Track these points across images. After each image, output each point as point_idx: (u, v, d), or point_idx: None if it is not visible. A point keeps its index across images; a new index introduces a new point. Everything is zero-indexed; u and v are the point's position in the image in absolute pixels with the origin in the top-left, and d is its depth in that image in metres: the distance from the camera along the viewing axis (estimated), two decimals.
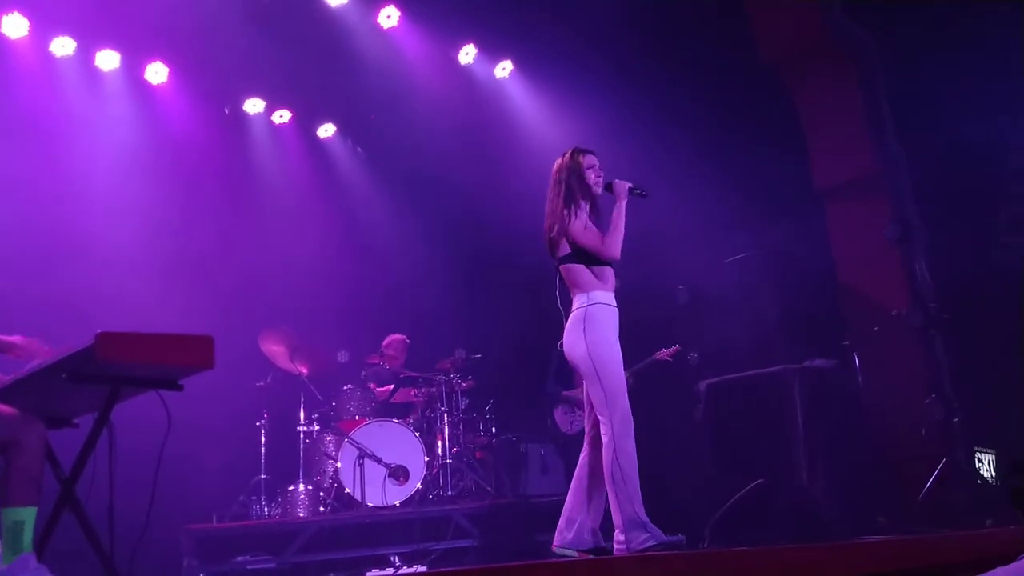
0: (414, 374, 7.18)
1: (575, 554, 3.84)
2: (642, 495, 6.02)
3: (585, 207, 4.12)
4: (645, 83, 7.08)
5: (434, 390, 6.98)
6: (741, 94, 6.71)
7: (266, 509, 6.62)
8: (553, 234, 4.11)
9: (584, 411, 6.13)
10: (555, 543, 3.96)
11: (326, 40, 7.33)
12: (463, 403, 7.06)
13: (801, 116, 6.38)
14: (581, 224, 4.05)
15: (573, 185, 4.12)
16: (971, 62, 5.59)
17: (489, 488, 6.79)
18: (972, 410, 5.10)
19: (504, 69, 7.98)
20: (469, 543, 5.94)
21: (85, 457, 3.08)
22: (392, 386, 7.19)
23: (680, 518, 5.57)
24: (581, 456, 4.09)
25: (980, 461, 5.20)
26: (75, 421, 3.57)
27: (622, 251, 4.07)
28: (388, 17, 7.37)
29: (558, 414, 6.28)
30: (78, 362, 2.89)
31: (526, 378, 7.55)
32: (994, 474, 5.22)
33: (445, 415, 6.84)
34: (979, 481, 4.92)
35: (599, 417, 3.95)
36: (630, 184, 4.19)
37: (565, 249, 4.08)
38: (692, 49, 6.82)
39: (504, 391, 6.94)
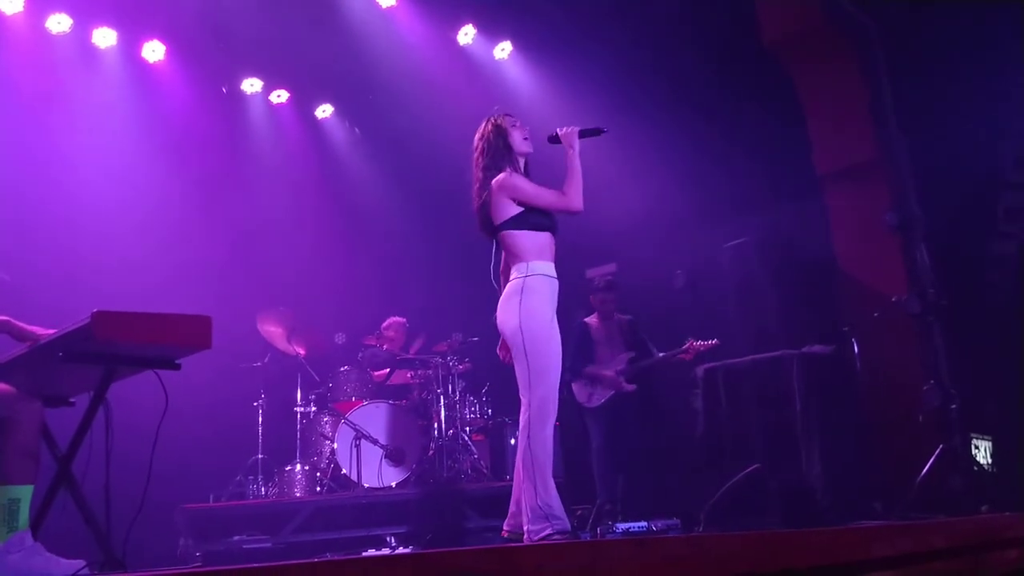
0: (411, 356, 7.18)
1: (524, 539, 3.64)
2: (638, 480, 6.09)
3: (519, 167, 3.87)
4: (645, 64, 7.05)
5: (431, 372, 6.98)
6: (742, 77, 6.67)
7: (263, 489, 6.63)
8: (485, 203, 3.83)
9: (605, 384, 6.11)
10: (504, 528, 3.77)
11: (324, 19, 7.27)
12: (460, 385, 7.06)
13: (802, 101, 6.34)
14: (526, 182, 3.80)
15: (499, 149, 3.87)
16: (972, 50, 5.57)
17: (485, 470, 6.81)
18: (969, 397, 5.10)
19: (503, 50, 7.92)
20: (464, 524, 5.95)
21: (81, 436, 3.08)
22: (388, 369, 7.18)
23: (676, 502, 5.59)
24: (519, 439, 3.83)
25: (977, 448, 5.22)
26: (71, 400, 3.56)
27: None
28: None
29: (576, 387, 6.21)
30: (74, 341, 2.88)
31: None
32: (990, 461, 5.24)
33: (442, 397, 6.84)
34: (975, 468, 4.93)
35: (521, 397, 3.70)
36: (579, 127, 3.93)
37: (503, 215, 3.78)
38: (693, 31, 6.78)
39: (501, 374, 6.92)
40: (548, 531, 3.49)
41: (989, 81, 5.56)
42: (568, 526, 3.56)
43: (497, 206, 3.79)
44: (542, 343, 3.65)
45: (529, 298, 3.69)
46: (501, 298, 3.83)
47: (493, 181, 3.81)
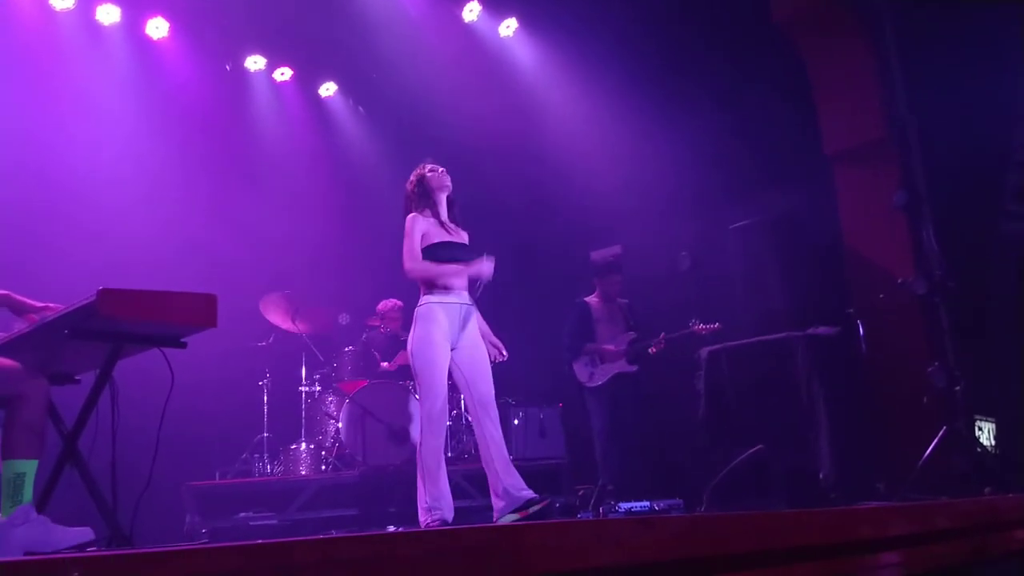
0: None
1: (516, 516, 3.97)
2: (640, 460, 6.11)
3: (425, 213, 4.33)
4: (652, 42, 6.99)
5: None
6: (751, 56, 6.61)
7: (268, 467, 6.67)
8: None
9: (606, 363, 6.15)
10: (495, 517, 4.07)
11: None
12: None
13: (812, 79, 6.29)
14: (410, 236, 4.26)
15: (413, 196, 4.37)
16: (983, 30, 5.51)
17: None
18: (974, 378, 5.09)
19: (508, 27, 7.87)
20: (469, 503, 5.98)
21: (87, 413, 3.09)
22: (388, 362, 7.14)
23: (679, 482, 5.61)
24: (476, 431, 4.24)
25: (980, 429, 5.21)
26: (77, 377, 3.57)
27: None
28: None
29: (577, 366, 6.24)
30: (80, 318, 2.88)
31: (525, 342, 7.55)
32: (994, 442, 5.24)
33: None
34: (979, 449, 4.93)
35: None
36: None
37: None
38: (702, 9, 6.71)
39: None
40: (428, 520, 3.95)
41: (1000, 60, 5.50)
42: (449, 518, 3.97)
43: None
44: (427, 366, 4.09)
45: (417, 326, 4.17)
46: None
47: (407, 216, 4.34)
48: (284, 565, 1.65)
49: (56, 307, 3.18)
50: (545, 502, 3.97)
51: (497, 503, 4.06)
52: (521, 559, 1.92)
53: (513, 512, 3.97)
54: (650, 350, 6.06)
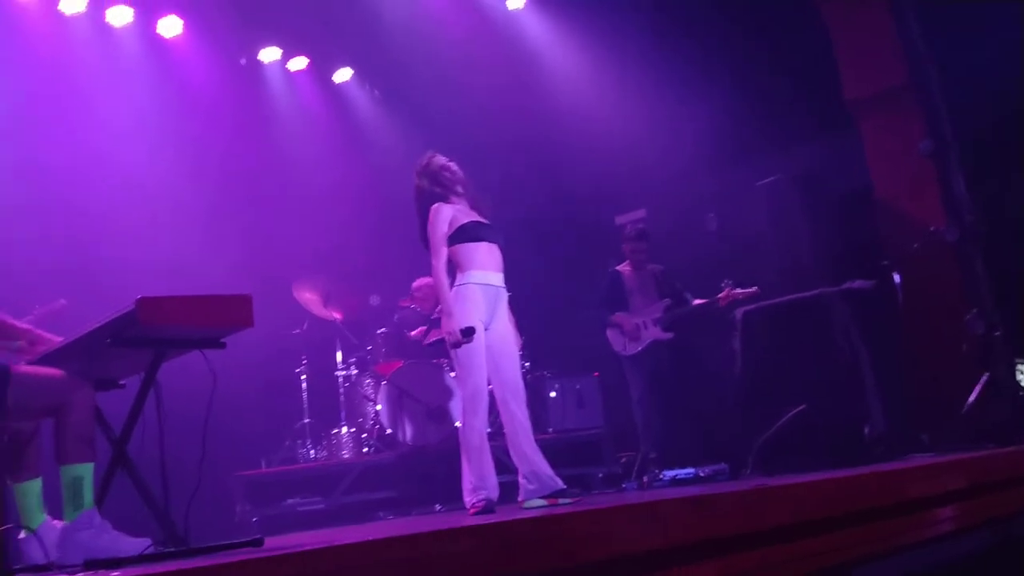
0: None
1: (543, 503, 3.97)
2: (681, 426, 6.10)
3: (450, 200, 4.35)
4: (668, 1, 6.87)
5: None
6: (768, 7, 6.48)
7: (312, 452, 6.76)
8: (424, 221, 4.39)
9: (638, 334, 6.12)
10: (520, 498, 4.09)
11: None
12: None
13: (829, 25, 6.16)
14: (436, 231, 4.26)
15: (429, 190, 4.39)
16: None
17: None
18: (1013, 323, 5.02)
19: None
20: (512, 478, 6.02)
21: (134, 418, 3.12)
22: (424, 327, 7.17)
23: (723, 447, 5.59)
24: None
25: (1021, 373, 5.15)
26: (122, 382, 3.62)
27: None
28: None
29: (612, 335, 6.23)
30: (120, 326, 2.91)
31: (559, 315, 7.55)
32: None
33: None
34: (1020, 394, 4.87)
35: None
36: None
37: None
38: None
39: (537, 328, 6.95)
40: (473, 500, 3.98)
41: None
42: (494, 497, 4.02)
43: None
44: (466, 346, 4.05)
45: (456, 306, 4.13)
46: None
47: (431, 207, 4.31)
48: (336, 568, 1.66)
49: (42, 334, 3.22)
50: (577, 499, 4.00)
51: (527, 485, 4.07)
52: (571, 548, 1.92)
53: (542, 498, 3.99)
54: (719, 301, 5.97)
